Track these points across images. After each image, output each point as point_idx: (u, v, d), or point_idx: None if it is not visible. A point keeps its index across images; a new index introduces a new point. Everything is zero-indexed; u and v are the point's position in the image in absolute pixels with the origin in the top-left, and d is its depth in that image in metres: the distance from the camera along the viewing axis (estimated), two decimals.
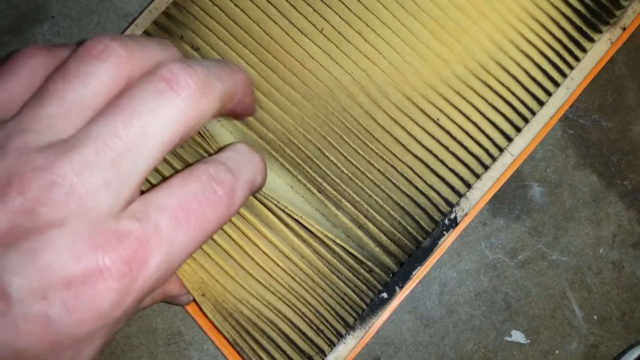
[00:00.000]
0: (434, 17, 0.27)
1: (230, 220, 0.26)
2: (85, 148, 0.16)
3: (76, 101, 0.17)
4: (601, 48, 0.27)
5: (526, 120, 0.26)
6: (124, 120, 0.16)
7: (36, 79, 0.18)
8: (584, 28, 0.27)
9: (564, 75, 0.27)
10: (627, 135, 0.30)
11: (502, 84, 0.26)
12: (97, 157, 0.16)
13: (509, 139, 0.26)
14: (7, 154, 0.16)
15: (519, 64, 0.27)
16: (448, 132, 0.26)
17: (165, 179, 0.18)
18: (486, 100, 0.26)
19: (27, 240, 0.15)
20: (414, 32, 0.27)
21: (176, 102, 0.17)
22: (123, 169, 0.16)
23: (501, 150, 0.26)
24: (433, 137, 0.26)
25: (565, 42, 0.27)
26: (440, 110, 0.26)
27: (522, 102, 0.26)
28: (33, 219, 0.15)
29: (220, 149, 0.20)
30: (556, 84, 0.27)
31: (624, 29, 0.27)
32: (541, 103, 0.26)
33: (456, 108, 0.26)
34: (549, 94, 0.26)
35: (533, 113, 0.26)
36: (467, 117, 0.26)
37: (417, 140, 0.26)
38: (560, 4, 0.27)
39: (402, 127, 0.26)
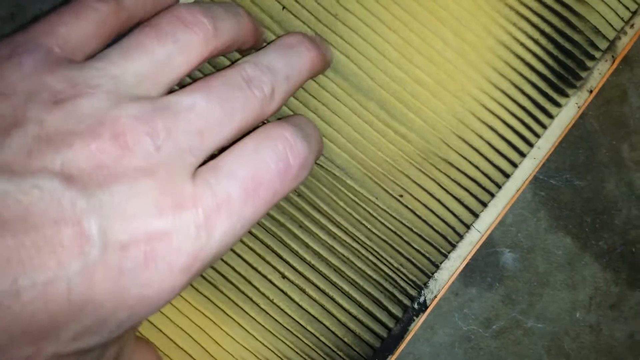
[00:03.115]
0: (391, 92, 0.25)
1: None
2: (180, 113, 0.16)
3: (167, 64, 0.17)
4: (568, 113, 0.26)
5: (492, 195, 0.25)
6: (221, 103, 0.17)
7: (105, 29, 0.18)
8: (550, 93, 0.26)
9: (530, 145, 0.25)
10: (600, 193, 0.29)
11: (465, 158, 0.25)
12: (188, 124, 0.16)
13: (475, 215, 0.25)
14: (98, 94, 0.15)
15: (481, 137, 0.25)
16: (412, 211, 0.25)
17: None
18: (449, 176, 0.25)
19: (117, 183, 0.15)
20: (375, 108, 0.26)
21: (253, 102, 0.18)
22: (206, 141, 0.17)
23: (468, 227, 0.25)
24: (396, 217, 0.25)
25: (531, 109, 0.26)
26: (403, 188, 0.25)
27: (486, 175, 0.25)
28: (124, 164, 0.15)
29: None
30: (522, 155, 0.25)
31: (591, 91, 0.26)
32: (507, 175, 0.25)
33: (419, 185, 0.25)
34: (515, 165, 0.25)
35: (499, 186, 0.25)
36: (431, 194, 0.25)
37: (380, 221, 0.25)
38: (524, 69, 0.26)
39: (364, 208, 0.25)
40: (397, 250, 0.25)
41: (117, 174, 0.15)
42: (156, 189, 0.15)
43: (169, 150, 0.16)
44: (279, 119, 0.21)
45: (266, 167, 0.17)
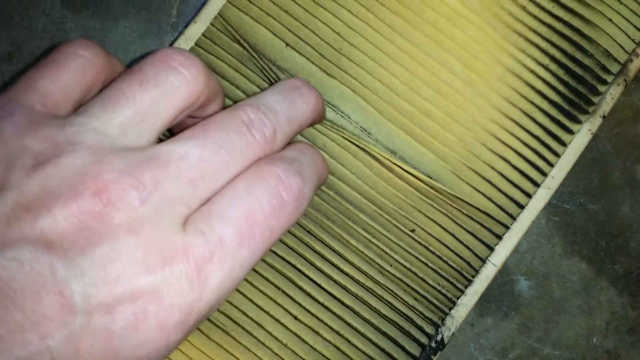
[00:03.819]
0: (399, 125, 0.25)
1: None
2: (170, 162, 0.16)
3: (152, 111, 0.16)
4: (581, 140, 0.25)
5: (506, 227, 0.25)
6: (217, 150, 0.16)
7: (88, 76, 0.17)
8: (562, 120, 0.25)
9: (544, 174, 0.25)
10: (615, 217, 0.28)
11: (477, 190, 0.25)
12: (179, 173, 0.15)
13: (490, 249, 0.25)
14: (79, 152, 0.15)
15: (493, 168, 0.25)
16: (425, 246, 0.25)
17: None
18: (461, 209, 0.25)
19: (99, 245, 0.14)
20: (383, 142, 0.25)
21: (253, 147, 0.17)
22: (200, 190, 0.16)
23: (483, 261, 0.24)
24: (409, 252, 0.25)
25: (543, 137, 0.25)
26: (415, 222, 0.25)
27: (500, 207, 0.25)
28: (106, 223, 0.14)
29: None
30: (536, 184, 0.25)
31: (604, 116, 0.25)
32: (521, 206, 0.25)
33: (431, 219, 0.25)
34: (529, 195, 0.25)
35: (513, 218, 0.25)
36: (444, 228, 0.25)
37: (393, 258, 0.25)
38: (535, 97, 0.25)
39: (376, 245, 0.25)
40: (412, 288, 0.24)
41: (99, 234, 0.14)
42: (142, 246, 0.15)
43: (157, 202, 0.15)
44: None
45: (259, 205, 0.17)
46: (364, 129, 0.25)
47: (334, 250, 0.25)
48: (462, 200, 0.25)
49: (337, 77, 0.25)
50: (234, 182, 0.17)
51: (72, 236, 0.14)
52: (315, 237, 0.25)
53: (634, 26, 0.25)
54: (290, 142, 0.20)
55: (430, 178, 0.25)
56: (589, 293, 0.28)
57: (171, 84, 0.17)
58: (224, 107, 0.19)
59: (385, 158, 0.25)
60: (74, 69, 0.17)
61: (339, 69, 0.25)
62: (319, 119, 0.21)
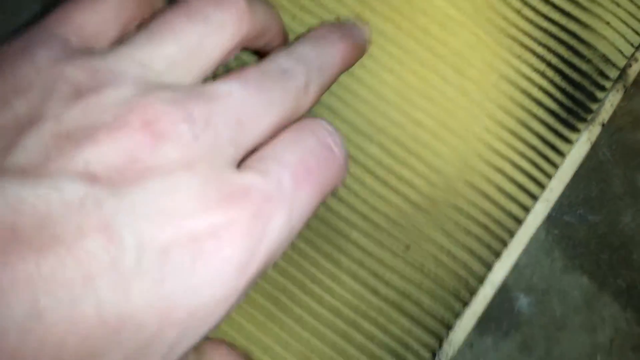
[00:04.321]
0: (391, 137, 0.24)
1: None
2: (218, 100, 0.15)
3: (199, 48, 0.16)
4: (580, 150, 0.24)
5: (504, 243, 0.23)
6: (258, 92, 0.15)
7: (128, 9, 0.16)
8: (560, 129, 0.24)
9: (542, 186, 0.24)
10: (616, 228, 0.27)
11: (473, 204, 0.23)
12: (226, 112, 0.14)
13: (488, 267, 0.23)
14: (124, 82, 0.14)
15: (489, 180, 0.24)
16: (419, 265, 0.23)
17: None
18: (458, 224, 0.23)
19: (151, 178, 0.13)
20: (375, 154, 0.24)
21: (289, 93, 0.16)
22: (246, 132, 0.15)
23: (481, 281, 0.23)
24: (403, 273, 0.23)
25: (540, 147, 0.24)
26: (409, 239, 0.23)
27: (497, 222, 0.23)
28: (159, 155, 0.13)
29: None
30: (534, 197, 0.24)
31: (603, 124, 0.24)
32: (519, 221, 0.24)
33: (426, 235, 0.23)
34: (526, 210, 0.24)
35: (511, 234, 0.23)
36: (440, 245, 0.23)
37: (385, 280, 0.23)
38: (531, 105, 0.24)
39: (368, 266, 0.23)
40: (407, 311, 0.23)
41: (151, 167, 0.13)
42: (199, 183, 0.13)
43: (209, 139, 0.14)
44: None
45: (311, 153, 0.16)
46: (355, 142, 0.24)
47: (325, 270, 0.23)
48: (458, 211, 0.23)
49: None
50: (281, 134, 0.16)
51: (121, 169, 0.12)
52: (307, 257, 0.23)
53: (633, 30, 0.24)
54: None
55: (423, 192, 0.23)
56: (591, 309, 0.27)
57: (219, 20, 0.16)
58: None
59: (377, 171, 0.23)
60: (112, 4, 0.16)
61: None
62: (355, 59, 0.21)
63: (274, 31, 0.19)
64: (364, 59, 0.24)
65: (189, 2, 0.16)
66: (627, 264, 0.27)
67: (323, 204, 0.23)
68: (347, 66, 0.21)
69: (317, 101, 0.18)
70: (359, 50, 0.21)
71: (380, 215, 0.23)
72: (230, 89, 0.15)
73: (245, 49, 0.19)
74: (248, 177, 0.14)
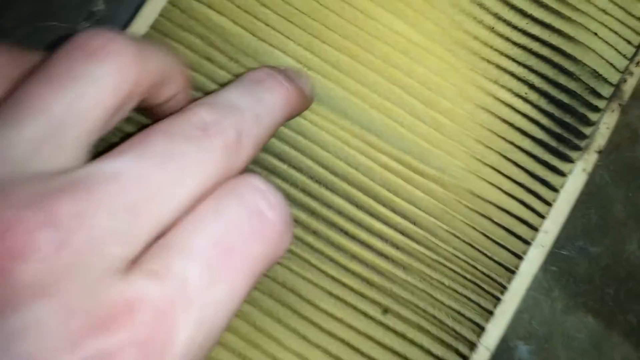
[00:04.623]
0: (357, 185, 0.20)
1: None
2: (98, 186, 0.12)
3: (66, 116, 0.13)
4: (576, 183, 0.21)
5: (497, 299, 0.20)
6: (163, 164, 0.12)
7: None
8: (550, 161, 0.21)
9: (535, 229, 0.21)
10: (621, 258, 0.24)
11: (457, 256, 0.20)
12: (110, 200, 0.12)
13: (481, 328, 0.20)
14: None
15: (474, 227, 0.21)
16: (402, 334, 0.20)
17: None
18: (441, 282, 0.20)
19: (8, 316, 0.11)
20: (348, 201, 0.21)
21: (212, 156, 0.13)
22: (143, 220, 0.12)
23: (474, 345, 0.20)
24: (381, 342, 0.20)
25: (529, 184, 0.21)
26: (387, 302, 0.20)
27: (488, 276, 0.20)
28: (10, 283, 0.11)
29: None
30: (527, 243, 0.21)
31: (600, 152, 0.21)
32: (512, 271, 0.20)
33: (403, 298, 0.20)
34: (519, 257, 0.21)
35: (504, 287, 0.20)
36: (421, 308, 0.20)
37: (376, 341, 0.20)
38: (515, 136, 0.21)
39: (340, 340, 0.20)
40: None
41: (7, 300, 0.11)
42: (61, 312, 0.11)
43: (80, 244, 0.11)
44: None
45: (234, 226, 0.13)
46: (314, 193, 0.21)
47: (289, 348, 0.20)
48: (440, 269, 0.20)
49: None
50: (197, 207, 0.13)
51: None
52: (267, 334, 0.20)
53: (624, 39, 0.21)
54: None
55: (399, 246, 0.20)
56: (600, 352, 0.24)
57: (93, 76, 0.13)
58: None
59: (344, 225, 0.20)
60: None
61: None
62: (299, 109, 0.18)
63: (177, 82, 0.16)
64: (317, 98, 0.21)
65: (51, 62, 0.13)
66: (637, 297, 0.24)
67: (284, 266, 0.20)
68: (291, 115, 0.17)
69: (255, 155, 0.15)
70: (304, 99, 0.18)
71: (352, 276, 0.20)
72: (120, 167, 0.12)
73: (144, 109, 0.15)
74: (136, 285, 0.11)
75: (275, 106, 0.16)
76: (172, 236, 0.12)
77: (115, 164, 0.12)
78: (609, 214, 0.24)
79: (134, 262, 0.12)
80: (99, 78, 0.13)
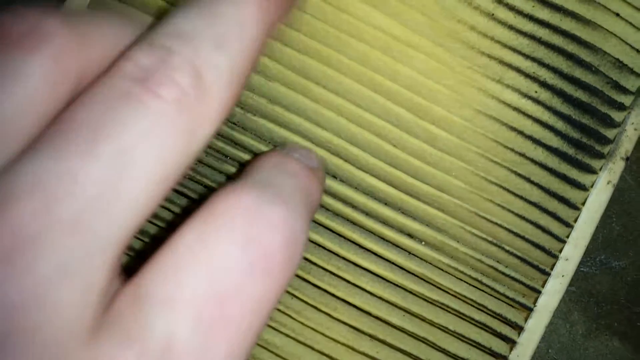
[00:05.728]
0: (346, 212, 0.17)
1: None
2: (10, 208, 0.09)
3: None
4: (600, 199, 0.17)
5: (513, 342, 0.17)
6: (86, 151, 0.09)
7: None
8: (568, 173, 0.17)
9: (554, 257, 0.17)
10: None
11: (466, 298, 0.17)
12: (33, 228, 0.09)
13: None
14: None
15: (480, 260, 0.17)
16: None
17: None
18: (448, 328, 0.17)
19: None
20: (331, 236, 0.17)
21: (163, 117, 0.09)
22: (85, 245, 0.09)
23: None
24: None
25: (545, 203, 0.17)
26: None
27: (500, 317, 0.17)
28: None
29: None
30: (545, 273, 0.17)
31: (627, 158, 0.17)
32: (529, 309, 0.17)
33: (397, 350, 0.17)
34: (537, 291, 0.17)
35: (521, 328, 0.17)
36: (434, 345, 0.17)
37: None
38: (524, 144, 0.17)
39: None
40: None
41: None
42: None
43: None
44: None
45: (225, 267, 0.10)
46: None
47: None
48: (445, 311, 0.17)
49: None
50: (176, 235, 0.10)
51: None
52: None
53: None
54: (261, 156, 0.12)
55: (396, 285, 0.17)
56: None
57: (16, 75, 0.10)
58: None
59: (338, 271, 0.17)
60: None
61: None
62: (279, 17, 0.12)
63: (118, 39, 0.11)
64: (286, 110, 0.17)
65: None
66: None
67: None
68: (272, 25, 0.12)
69: (237, 96, 0.11)
70: (283, 4, 0.12)
71: (356, 334, 0.17)
72: (32, 176, 0.09)
73: None
74: (105, 356, 0.09)
75: (245, 18, 0.11)
76: (146, 279, 0.09)
77: (23, 167, 0.09)
78: (632, 222, 0.21)
79: (100, 321, 0.09)
80: (29, 75, 0.10)
